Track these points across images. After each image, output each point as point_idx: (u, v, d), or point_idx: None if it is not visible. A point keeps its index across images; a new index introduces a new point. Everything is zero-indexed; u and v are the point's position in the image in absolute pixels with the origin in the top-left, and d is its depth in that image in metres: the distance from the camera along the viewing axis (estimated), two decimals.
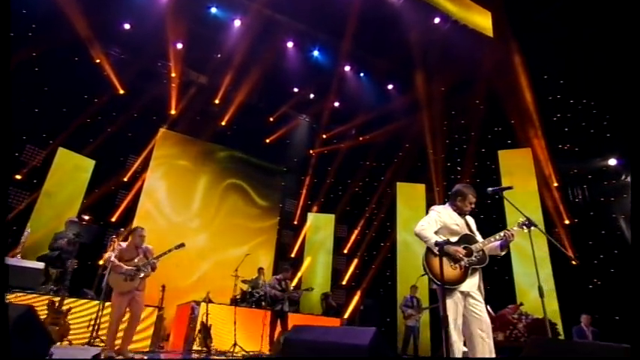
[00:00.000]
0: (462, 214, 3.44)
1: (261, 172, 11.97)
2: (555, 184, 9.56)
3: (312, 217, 12.19)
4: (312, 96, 11.74)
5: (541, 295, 2.88)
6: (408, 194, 11.23)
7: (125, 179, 10.07)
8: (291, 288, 7.42)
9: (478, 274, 3.25)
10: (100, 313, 5.54)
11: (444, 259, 3.15)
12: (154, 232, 8.92)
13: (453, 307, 3.07)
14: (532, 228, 3.21)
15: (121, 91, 10.04)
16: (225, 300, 8.25)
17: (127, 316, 5.15)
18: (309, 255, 11.78)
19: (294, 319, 7.76)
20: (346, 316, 10.98)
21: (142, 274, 5.11)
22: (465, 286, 3.14)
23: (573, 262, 8.19)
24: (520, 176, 9.47)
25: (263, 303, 7.64)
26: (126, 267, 5.04)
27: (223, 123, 11.13)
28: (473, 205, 3.41)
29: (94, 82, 9.58)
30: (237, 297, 8.53)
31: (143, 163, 10.35)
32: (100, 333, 5.70)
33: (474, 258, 3.24)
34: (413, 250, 10.39)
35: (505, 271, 9.15)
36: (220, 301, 8.10)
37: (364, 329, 2.60)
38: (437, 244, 3.10)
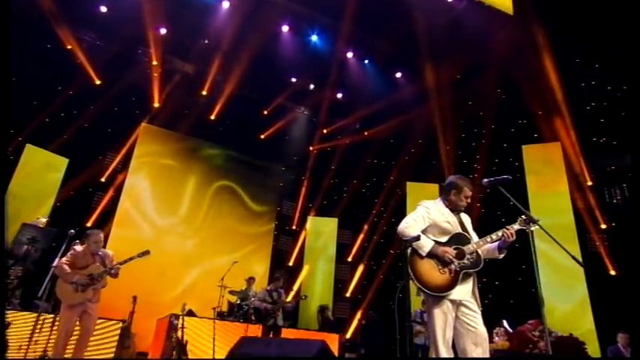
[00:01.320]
0: (455, 210, 3.26)
1: (255, 171, 11.67)
2: (589, 183, 9.01)
3: (312, 220, 11.86)
4: (311, 87, 11.39)
5: (540, 304, 2.61)
6: (419, 195, 10.26)
7: (102, 179, 9.78)
8: (285, 298, 7.18)
9: (472, 279, 3.10)
10: (39, 327, 5.09)
11: (432, 263, 3.02)
12: (135, 238, 9.53)
13: (442, 318, 2.94)
14: (534, 226, 3.05)
15: (97, 82, 9.72)
16: (213, 314, 7.90)
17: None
18: (309, 263, 11.40)
19: (288, 335, 7.45)
20: (351, 331, 10.65)
21: (96, 285, 4.73)
22: (456, 294, 2.98)
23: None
24: (548, 175, 9.01)
25: (253, 317, 7.30)
26: (77, 276, 4.68)
27: (212, 117, 10.82)
28: (469, 200, 3.25)
29: (66, 71, 9.25)
30: (224, 310, 8.20)
31: (123, 161, 10.08)
32: (48, 349, 5.25)
33: (466, 261, 3.06)
34: None
35: (531, 283, 8.51)
36: (208, 315, 7.86)
37: (313, 342, 2.53)
38: (412, 239, 2.92)
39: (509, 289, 9.07)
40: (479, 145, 10.55)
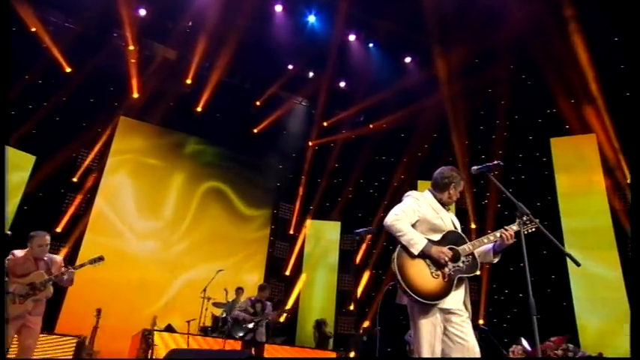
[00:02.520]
0: (445, 205, 3.12)
1: (248, 169, 11.30)
2: (629, 181, 8.39)
3: (311, 224, 11.44)
4: (310, 74, 11.01)
5: (531, 312, 2.38)
6: None
7: (74, 179, 9.33)
8: (270, 311, 6.99)
9: (464, 285, 2.98)
10: None
11: (424, 264, 2.87)
12: (111, 245, 9.17)
13: (430, 329, 2.81)
14: (533, 227, 2.87)
15: (67, 69, 9.27)
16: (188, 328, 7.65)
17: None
18: (307, 272, 11.02)
19: (272, 353, 7.35)
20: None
21: (38, 295, 4.37)
22: (448, 302, 2.85)
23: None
24: (581, 171, 8.60)
25: (232, 330, 6.93)
26: (15, 285, 4.32)
27: (199, 109, 10.43)
28: (459, 196, 3.15)
29: (30, 56, 8.75)
30: (207, 325, 8.02)
31: (98, 158, 9.72)
32: None
33: (461, 264, 2.92)
34: None
35: (563, 296, 8.17)
36: (193, 331, 7.62)
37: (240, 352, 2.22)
38: (408, 239, 2.83)
39: (536, 303, 8.44)
40: (500, 138, 10.02)
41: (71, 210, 9.19)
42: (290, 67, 10.70)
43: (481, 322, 9.21)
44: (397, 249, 2.88)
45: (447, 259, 2.87)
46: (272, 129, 11.22)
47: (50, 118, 8.98)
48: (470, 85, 10.01)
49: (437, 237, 2.98)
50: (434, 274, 2.86)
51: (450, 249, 2.92)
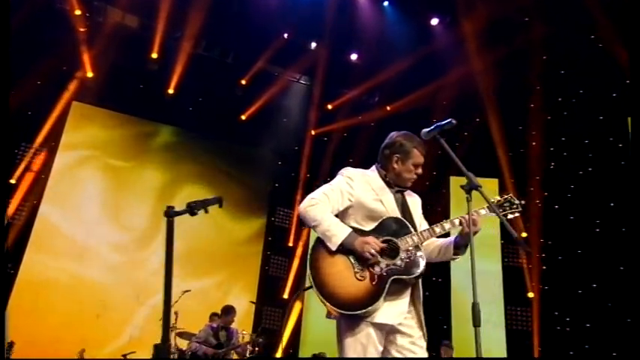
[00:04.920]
0: (398, 186, 2.84)
1: (236, 167, 10.69)
2: None
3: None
4: (312, 45, 10.27)
5: (475, 320, 2.14)
6: None
7: (12, 180, 8.62)
8: (240, 337, 6.93)
9: (408, 291, 2.65)
10: None
11: (346, 262, 2.62)
12: (62, 265, 8.56)
13: (358, 351, 2.53)
14: (513, 212, 2.75)
15: None
16: None
17: None
18: (308, 293, 9.84)
19: None
20: None
21: None
22: (381, 315, 2.55)
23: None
24: None
25: None
26: None
27: (170, 90, 9.73)
28: (419, 171, 2.83)
29: None
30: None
31: (45, 154, 9.09)
32: None
33: (399, 261, 2.62)
34: (478, 275, 8.81)
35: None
36: None
37: None
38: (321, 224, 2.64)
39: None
40: (559, 120, 9.39)
41: (7, 220, 8.24)
42: (285, 35, 9.92)
43: None
44: (312, 244, 2.70)
45: (373, 252, 2.59)
46: (264, 114, 10.49)
47: None
48: (518, 51, 9.35)
49: (372, 226, 2.74)
50: (358, 276, 2.62)
51: (385, 241, 2.67)
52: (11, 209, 8.45)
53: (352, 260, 2.63)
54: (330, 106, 10.96)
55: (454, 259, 2.77)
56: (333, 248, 2.60)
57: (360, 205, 2.77)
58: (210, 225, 10.21)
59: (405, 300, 2.65)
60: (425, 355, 2.65)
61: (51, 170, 9.03)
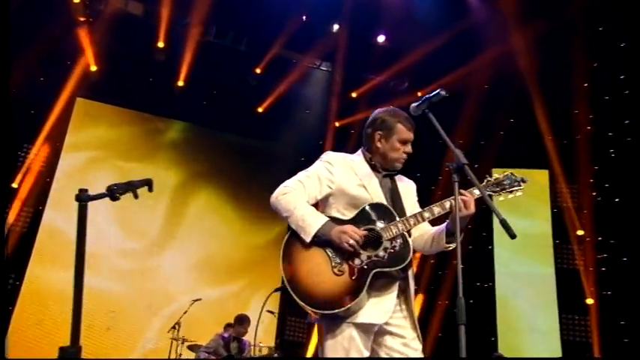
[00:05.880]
0: (385, 170, 2.77)
1: (254, 164, 10.40)
2: None
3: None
4: (334, 27, 9.82)
5: (459, 318, 2.00)
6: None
7: (14, 184, 8.52)
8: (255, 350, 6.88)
9: (396, 286, 2.55)
10: None
11: (322, 256, 2.53)
12: (69, 276, 8.09)
13: (340, 354, 2.45)
14: (517, 191, 2.72)
15: None
16: None
17: None
18: None
19: None
20: None
21: None
22: (365, 314, 2.46)
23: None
24: None
25: None
26: None
27: (180, 83, 9.51)
28: (408, 149, 2.72)
29: None
30: None
31: (47, 156, 8.98)
32: None
33: (381, 252, 2.52)
34: (523, 279, 8.90)
35: None
36: None
37: None
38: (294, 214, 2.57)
39: None
40: (629, 102, 8.65)
41: (8, 228, 8.16)
42: (303, 17, 9.53)
43: None
44: (285, 237, 2.60)
45: (351, 242, 2.47)
46: (283, 106, 10.17)
47: None
48: (568, 25, 8.80)
49: (353, 214, 2.65)
50: (336, 270, 2.50)
51: (365, 229, 2.55)
52: (13, 215, 8.28)
53: (329, 253, 2.53)
54: (354, 94, 10.58)
55: (447, 248, 2.61)
56: (308, 240, 2.50)
57: (342, 193, 2.68)
58: (227, 229, 10.14)
59: (391, 296, 2.54)
60: (419, 352, 2.54)
61: (55, 173, 8.86)
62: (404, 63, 9.98)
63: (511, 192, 2.68)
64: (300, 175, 2.69)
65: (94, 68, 8.95)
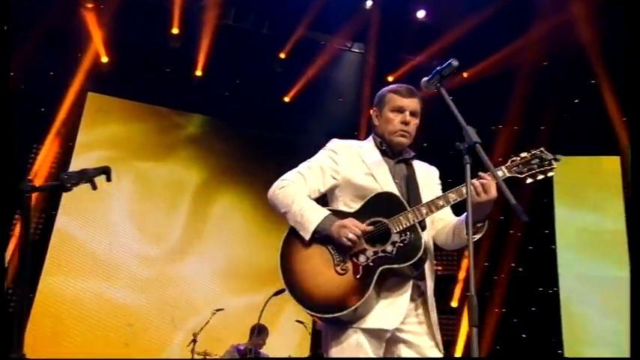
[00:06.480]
0: (395, 153, 2.67)
1: (283, 159, 10.18)
2: None
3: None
4: (368, 4, 9.32)
5: (470, 308, 1.90)
6: (580, 176, 8.97)
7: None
8: None
9: (409, 286, 2.44)
10: None
11: (324, 254, 2.45)
12: (85, 286, 8.12)
13: None
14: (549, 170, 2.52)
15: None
16: None
17: None
18: None
19: None
20: None
21: None
22: (374, 318, 2.37)
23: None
24: None
25: None
26: None
27: (198, 72, 9.18)
28: (406, 118, 2.61)
29: None
30: None
31: (57, 156, 8.74)
32: None
33: (389, 247, 2.41)
34: (591, 282, 8.43)
35: None
36: None
37: None
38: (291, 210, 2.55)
39: None
40: None
41: (18, 235, 7.89)
42: None
43: None
44: (284, 236, 2.55)
45: (352, 237, 2.35)
46: (312, 93, 9.75)
47: None
48: None
49: (358, 205, 2.55)
50: (339, 269, 2.41)
51: (372, 223, 2.44)
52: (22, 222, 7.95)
53: (331, 251, 2.47)
54: (390, 78, 9.96)
55: (471, 239, 2.42)
56: (307, 237, 2.45)
57: (348, 183, 2.63)
58: (254, 231, 9.84)
59: (404, 298, 2.44)
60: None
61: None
62: (446, 40, 9.30)
63: (541, 173, 2.51)
64: (301, 166, 2.64)
65: (104, 59, 8.65)
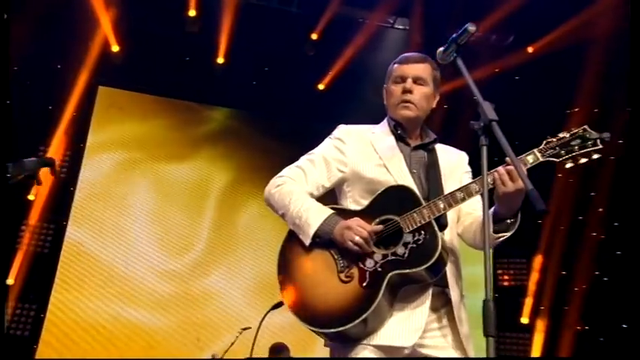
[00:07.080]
0: (410, 137, 2.54)
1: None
2: None
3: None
4: None
5: (485, 315, 1.81)
6: None
7: (30, 196, 7.94)
8: None
9: (429, 295, 2.29)
10: None
11: (327, 259, 2.33)
12: (99, 306, 8.14)
13: None
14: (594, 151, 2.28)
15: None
16: None
17: None
18: None
19: None
20: None
21: None
22: (387, 333, 2.21)
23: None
24: None
25: None
26: None
27: (220, 59, 8.72)
28: (407, 85, 2.46)
29: None
30: None
31: (67, 160, 8.44)
32: None
33: (400, 249, 2.26)
34: None
35: None
36: None
37: None
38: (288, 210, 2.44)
39: None
40: None
41: (26, 246, 7.71)
42: None
43: None
44: (283, 240, 2.44)
45: (357, 240, 2.21)
46: (349, 78, 9.09)
47: None
48: None
49: (367, 201, 2.45)
50: (343, 276, 2.26)
51: (381, 222, 2.29)
52: (29, 233, 7.69)
53: (335, 255, 2.32)
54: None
55: (497, 240, 2.25)
56: (307, 241, 2.31)
57: (357, 177, 2.48)
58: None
59: (422, 308, 2.24)
60: None
61: (77, 180, 8.26)
62: (505, 11, 8.44)
63: (584, 155, 2.27)
64: (302, 159, 2.55)
65: (115, 48, 8.18)
